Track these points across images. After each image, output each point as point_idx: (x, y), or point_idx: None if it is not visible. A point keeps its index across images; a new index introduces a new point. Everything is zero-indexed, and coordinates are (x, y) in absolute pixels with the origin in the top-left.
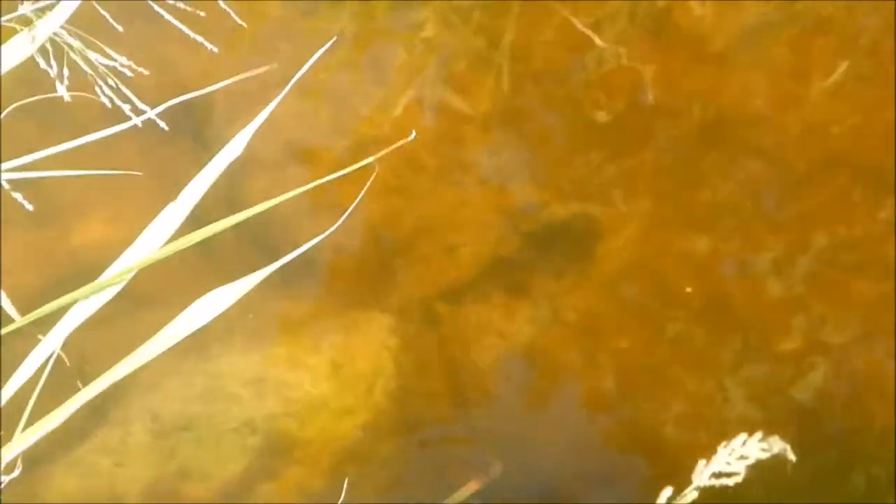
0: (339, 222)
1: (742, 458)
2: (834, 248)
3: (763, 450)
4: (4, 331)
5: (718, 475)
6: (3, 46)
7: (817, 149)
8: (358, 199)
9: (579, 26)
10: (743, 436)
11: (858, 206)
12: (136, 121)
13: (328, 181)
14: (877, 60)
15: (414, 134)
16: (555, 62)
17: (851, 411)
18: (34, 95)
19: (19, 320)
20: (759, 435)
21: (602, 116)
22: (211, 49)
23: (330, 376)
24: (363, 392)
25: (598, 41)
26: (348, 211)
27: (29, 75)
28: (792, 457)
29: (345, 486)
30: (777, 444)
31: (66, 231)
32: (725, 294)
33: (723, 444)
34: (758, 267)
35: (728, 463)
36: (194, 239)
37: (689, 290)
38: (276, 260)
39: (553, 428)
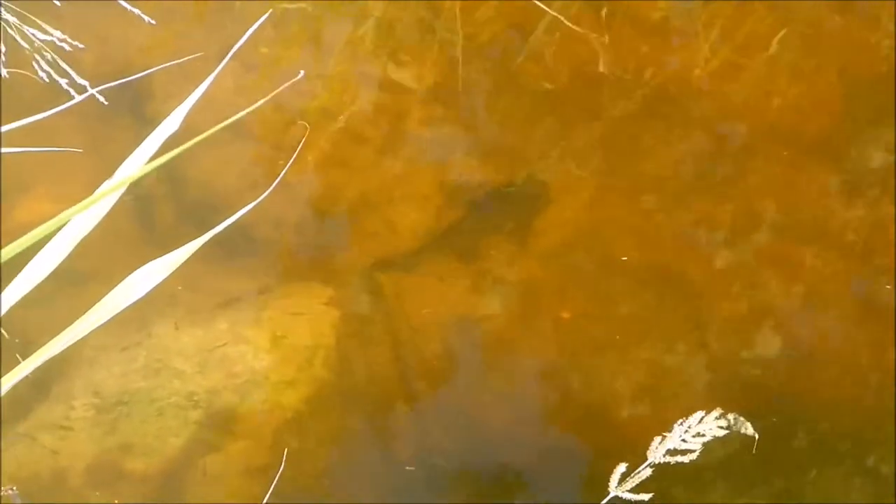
0: (272, 188)
1: (698, 435)
2: (777, 217)
3: (721, 427)
4: None
5: (674, 452)
6: None
7: (759, 119)
8: (289, 164)
9: None
10: (700, 413)
11: (801, 176)
12: (79, 99)
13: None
14: (816, 29)
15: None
16: (499, 34)
17: (798, 378)
18: None
19: None
20: (716, 412)
21: (546, 87)
22: (149, 21)
23: (270, 349)
24: (304, 364)
25: (545, 9)
26: (279, 177)
27: None
28: (754, 433)
29: (284, 457)
30: (736, 422)
31: (8, 209)
32: (668, 263)
33: (679, 421)
34: (702, 236)
35: (684, 440)
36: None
37: (624, 258)
38: (219, 238)
39: (499, 400)
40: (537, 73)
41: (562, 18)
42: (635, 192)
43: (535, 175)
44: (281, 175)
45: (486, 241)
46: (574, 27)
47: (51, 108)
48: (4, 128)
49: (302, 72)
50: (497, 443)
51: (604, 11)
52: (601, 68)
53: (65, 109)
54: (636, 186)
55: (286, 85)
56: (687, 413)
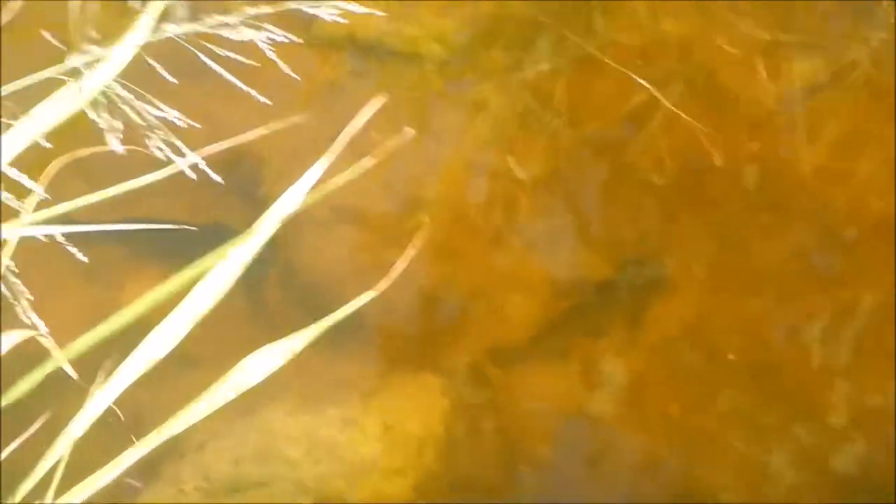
0: (389, 282)
1: None
2: (881, 316)
3: None
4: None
5: None
6: (51, 99)
7: (863, 216)
8: (407, 254)
9: (640, 81)
10: None
11: None
12: (183, 165)
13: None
14: None
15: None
16: (608, 123)
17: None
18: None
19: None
20: None
21: (656, 178)
22: (263, 101)
23: (381, 437)
24: (413, 454)
25: (657, 96)
26: (397, 270)
27: (76, 132)
28: None
29: None
30: None
31: (118, 289)
32: (774, 360)
33: None
34: (807, 333)
35: None
36: None
37: (731, 357)
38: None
39: (606, 496)
40: (646, 164)
41: (673, 108)
42: (743, 287)
43: (644, 269)
44: (400, 267)
45: (594, 333)
46: (685, 117)
47: (160, 187)
48: (107, 192)
49: (408, 130)
50: None
51: (711, 102)
52: (712, 161)
53: (178, 192)
54: (744, 281)
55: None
56: None
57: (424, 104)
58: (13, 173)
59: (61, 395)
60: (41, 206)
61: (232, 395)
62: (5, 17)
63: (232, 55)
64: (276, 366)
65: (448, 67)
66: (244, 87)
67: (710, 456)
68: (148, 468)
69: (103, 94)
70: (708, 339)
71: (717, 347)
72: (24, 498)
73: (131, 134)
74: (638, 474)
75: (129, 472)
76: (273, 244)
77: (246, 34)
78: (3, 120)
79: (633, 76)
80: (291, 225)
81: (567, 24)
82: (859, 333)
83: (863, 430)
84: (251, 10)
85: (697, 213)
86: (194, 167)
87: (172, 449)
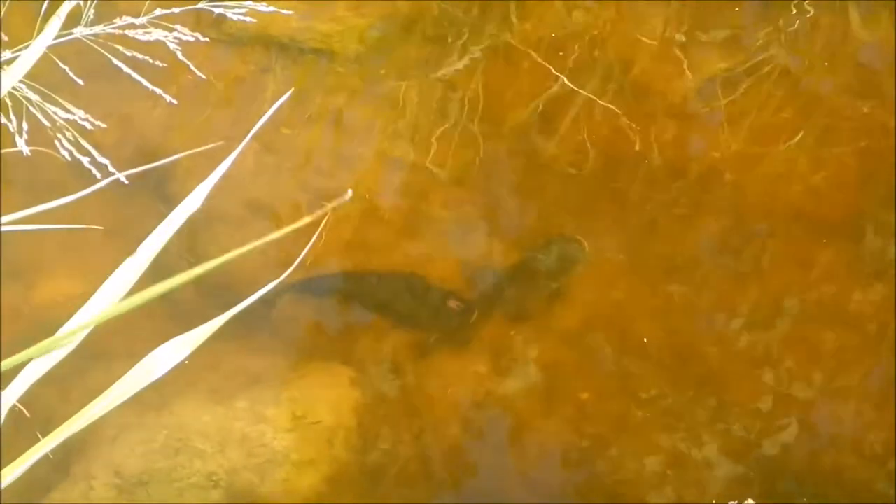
0: (289, 271)
1: None
2: (797, 301)
3: None
4: None
5: None
6: None
7: (779, 204)
8: (309, 245)
9: (554, 72)
10: (733, 503)
11: (821, 260)
12: (103, 183)
13: (287, 236)
14: (836, 117)
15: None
16: (523, 114)
17: (820, 464)
18: None
19: None
20: (749, 501)
21: (573, 167)
22: (170, 101)
23: (291, 429)
24: (324, 445)
25: (574, 87)
26: (297, 261)
27: None
28: None
29: None
30: None
31: (29, 288)
32: (688, 345)
33: None
34: (722, 320)
35: None
36: (151, 294)
37: (645, 339)
38: (240, 317)
39: (519, 483)
40: (563, 153)
41: (591, 96)
42: (657, 275)
43: (557, 258)
44: (301, 256)
45: (507, 321)
46: (603, 104)
47: (72, 186)
48: (29, 210)
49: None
50: None
51: (625, 92)
52: (630, 150)
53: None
54: (658, 269)
55: None
56: (707, 498)
57: (338, 100)
58: None
59: None
60: None
61: (140, 387)
62: None
63: (140, 56)
64: (183, 356)
65: (363, 64)
66: (151, 87)
67: (629, 444)
68: (57, 465)
69: (11, 96)
70: (622, 327)
71: (632, 334)
72: None
73: (41, 135)
74: (556, 466)
75: (38, 468)
76: (186, 240)
77: (154, 34)
78: None
79: (550, 67)
80: (206, 222)
81: (483, 20)
82: (777, 321)
83: (784, 416)
84: (159, 11)
85: (614, 201)
86: (104, 169)
87: (83, 443)
